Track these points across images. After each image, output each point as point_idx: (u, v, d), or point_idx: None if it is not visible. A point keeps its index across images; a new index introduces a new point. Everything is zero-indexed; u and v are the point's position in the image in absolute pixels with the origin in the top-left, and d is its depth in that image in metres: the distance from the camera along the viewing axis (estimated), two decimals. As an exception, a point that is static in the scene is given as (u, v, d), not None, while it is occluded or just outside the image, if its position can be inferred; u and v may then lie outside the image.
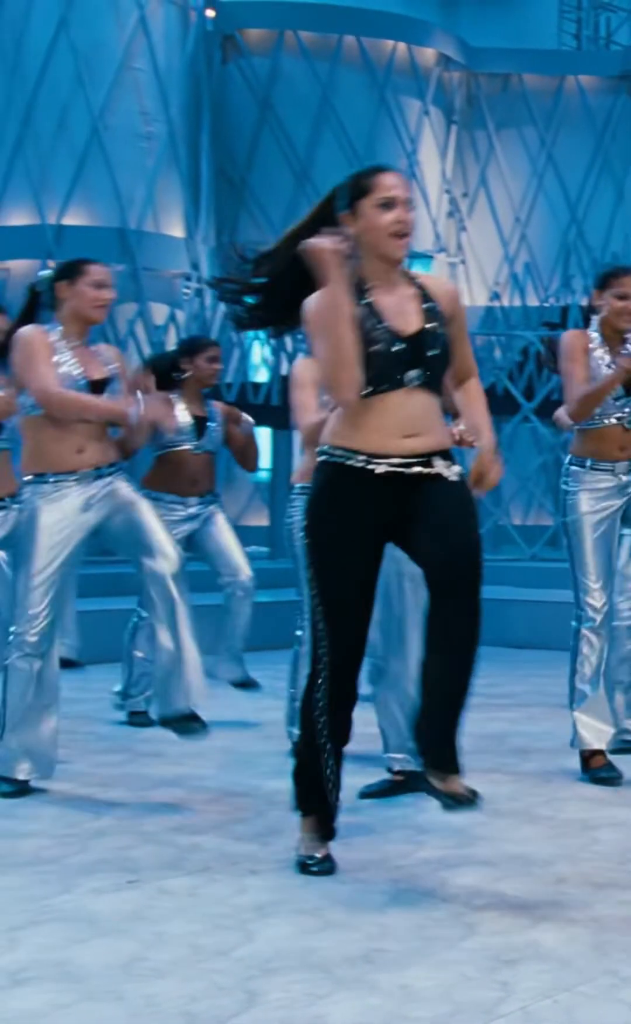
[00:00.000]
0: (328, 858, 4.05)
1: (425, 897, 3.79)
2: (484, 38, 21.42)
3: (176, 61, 19.11)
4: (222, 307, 17.61)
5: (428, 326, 3.91)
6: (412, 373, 3.87)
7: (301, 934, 3.46)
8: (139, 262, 18.36)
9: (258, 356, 16.17)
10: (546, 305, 19.66)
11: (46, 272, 5.27)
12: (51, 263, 18.18)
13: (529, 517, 15.35)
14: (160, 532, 5.07)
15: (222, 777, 5.47)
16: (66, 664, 6.54)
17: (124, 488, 5.11)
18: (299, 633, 5.68)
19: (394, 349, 3.86)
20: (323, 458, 3.95)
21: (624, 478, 5.35)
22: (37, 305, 5.23)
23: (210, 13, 19.93)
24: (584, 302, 18.18)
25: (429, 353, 3.89)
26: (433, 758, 3.81)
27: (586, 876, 3.98)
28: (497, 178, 21.23)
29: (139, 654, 6.58)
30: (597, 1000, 3.00)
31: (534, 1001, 2.99)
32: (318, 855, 4.05)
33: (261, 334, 15.70)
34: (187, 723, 5.10)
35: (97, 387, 5.09)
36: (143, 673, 6.51)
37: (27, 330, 5.08)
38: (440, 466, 3.88)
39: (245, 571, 6.69)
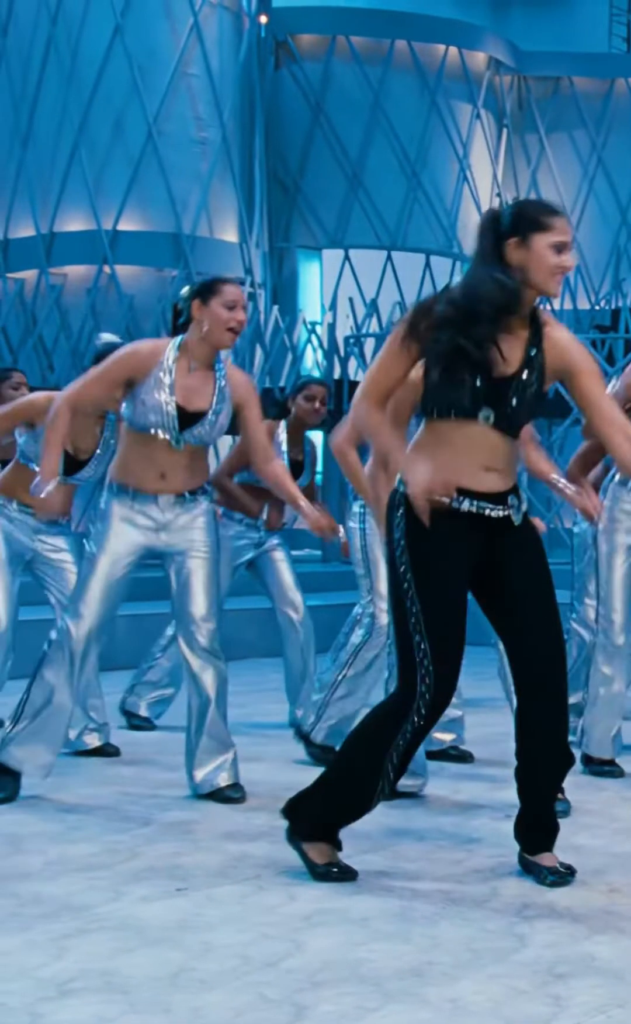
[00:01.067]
0: (346, 866, 4.01)
1: (476, 908, 3.71)
2: (534, 41, 21.33)
3: (230, 67, 19.12)
4: (275, 309, 17.62)
5: (526, 362, 3.87)
6: (485, 411, 3.84)
7: (350, 945, 3.39)
8: (193, 267, 18.37)
9: (311, 360, 16.12)
10: (597, 308, 19.51)
11: (184, 290, 5.07)
12: (107, 268, 18.26)
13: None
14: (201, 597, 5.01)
15: (273, 783, 5.39)
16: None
17: (198, 531, 5.02)
18: (349, 638, 5.63)
19: (475, 381, 3.83)
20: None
21: None
22: (178, 324, 4.96)
23: (263, 19, 19.92)
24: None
25: (511, 399, 3.85)
26: (530, 843, 4.03)
27: (639, 887, 3.89)
28: (548, 181, 21.13)
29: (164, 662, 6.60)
30: (651, 1017, 2.91)
31: (587, 1017, 2.91)
32: (338, 862, 4.00)
33: (314, 338, 15.63)
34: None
35: (189, 418, 4.87)
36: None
37: (135, 343, 4.96)
38: (512, 510, 3.92)
39: (300, 608, 6.64)
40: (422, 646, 3.83)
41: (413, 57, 20.22)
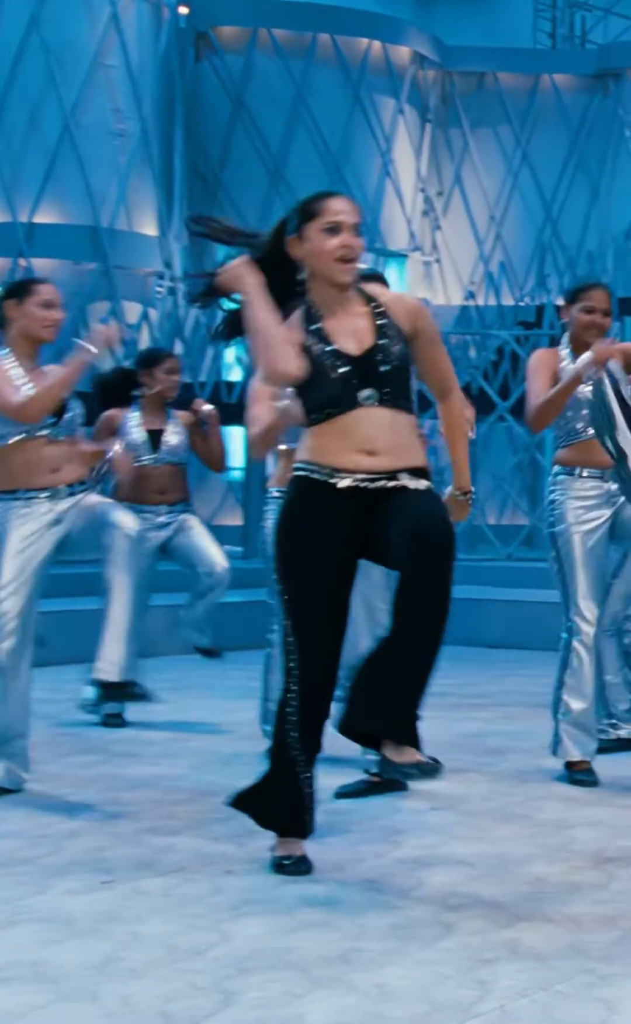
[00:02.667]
0: (304, 858, 4.05)
1: (401, 897, 3.79)
2: (459, 36, 21.50)
3: (149, 58, 19.12)
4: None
5: (380, 342, 3.91)
6: (364, 393, 3.87)
7: (277, 934, 3.47)
8: (111, 260, 18.35)
9: (231, 355, 16.16)
10: (521, 304, 19.72)
11: None
12: (23, 262, 18.17)
13: (504, 517, 15.39)
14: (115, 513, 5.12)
15: (196, 777, 5.46)
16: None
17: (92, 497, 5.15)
18: (271, 636, 5.69)
19: (341, 371, 3.87)
20: (295, 472, 3.97)
21: (612, 486, 5.28)
22: None
23: (183, 10, 19.94)
24: (559, 301, 18.26)
25: (381, 370, 3.89)
26: (394, 731, 3.77)
27: (563, 875, 3.99)
28: (472, 177, 21.29)
29: None
30: (574, 999, 3.01)
31: (511, 1000, 3.00)
32: (295, 855, 4.05)
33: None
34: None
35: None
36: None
37: None
38: (405, 479, 3.87)
39: (222, 563, 6.71)
40: (290, 641, 3.96)
41: (336, 51, 20.32)
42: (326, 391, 3.88)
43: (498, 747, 6.10)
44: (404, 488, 3.85)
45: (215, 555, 6.74)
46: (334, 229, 3.87)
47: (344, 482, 3.87)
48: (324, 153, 20.18)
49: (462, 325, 19.49)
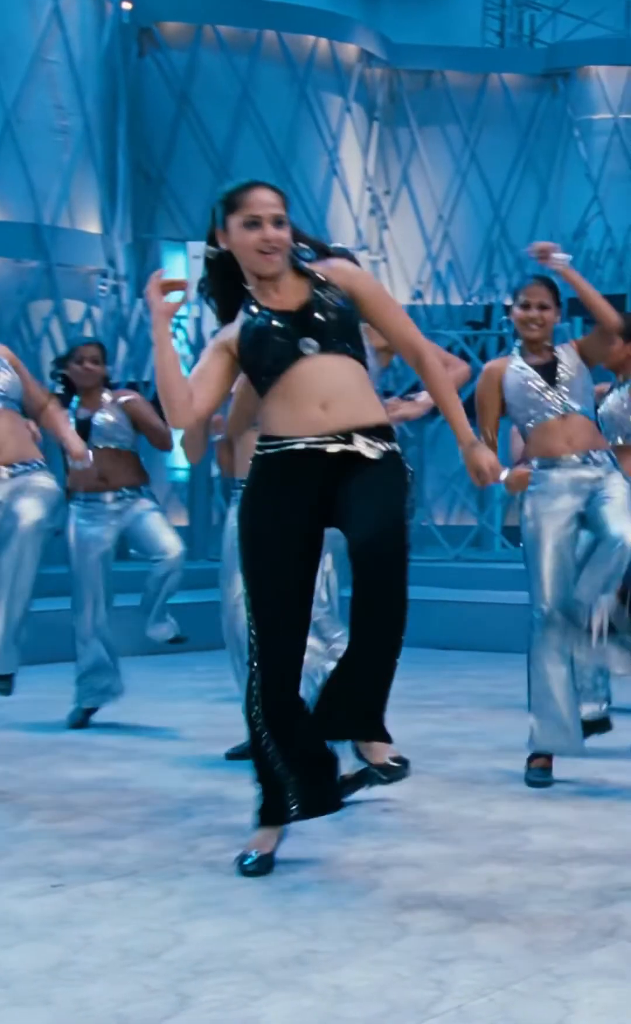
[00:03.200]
0: (268, 857, 4.06)
1: (356, 898, 3.80)
2: (407, 34, 21.55)
3: (91, 54, 19.05)
4: (139, 303, 17.62)
5: (315, 296, 3.94)
6: (305, 340, 3.90)
7: (232, 936, 3.47)
8: (54, 258, 18.27)
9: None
10: (469, 304, 19.79)
11: None
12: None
13: (452, 517, 15.44)
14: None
15: (145, 780, 5.45)
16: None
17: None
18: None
19: (279, 327, 3.90)
20: (254, 453, 3.97)
21: (576, 473, 5.31)
22: None
23: (126, 5, 19.89)
24: (507, 301, 18.32)
25: (319, 318, 3.90)
26: (361, 732, 3.90)
27: (518, 876, 4.01)
28: (420, 176, 21.36)
29: None
30: (531, 998, 3.03)
31: (469, 1000, 3.02)
32: (262, 852, 4.08)
33: (178, 331, 15.67)
34: None
35: None
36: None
37: None
38: (361, 444, 3.87)
39: (175, 548, 6.69)
40: (252, 633, 4.01)
41: (282, 48, 20.33)
42: (269, 349, 3.90)
43: (449, 748, 6.12)
44: (361, 457, 3.86)
45: (168, 540, 6.72)
46: (255, 223, 3.89)
47: (298, 444, 3.88)
48: (270, 151, 20.18)
49: (410, 325, 19.52)
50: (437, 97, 21.46)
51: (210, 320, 16.21)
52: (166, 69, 20.32)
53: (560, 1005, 2.98)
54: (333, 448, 3.87)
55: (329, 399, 3.88)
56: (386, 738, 3.89)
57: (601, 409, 6.25)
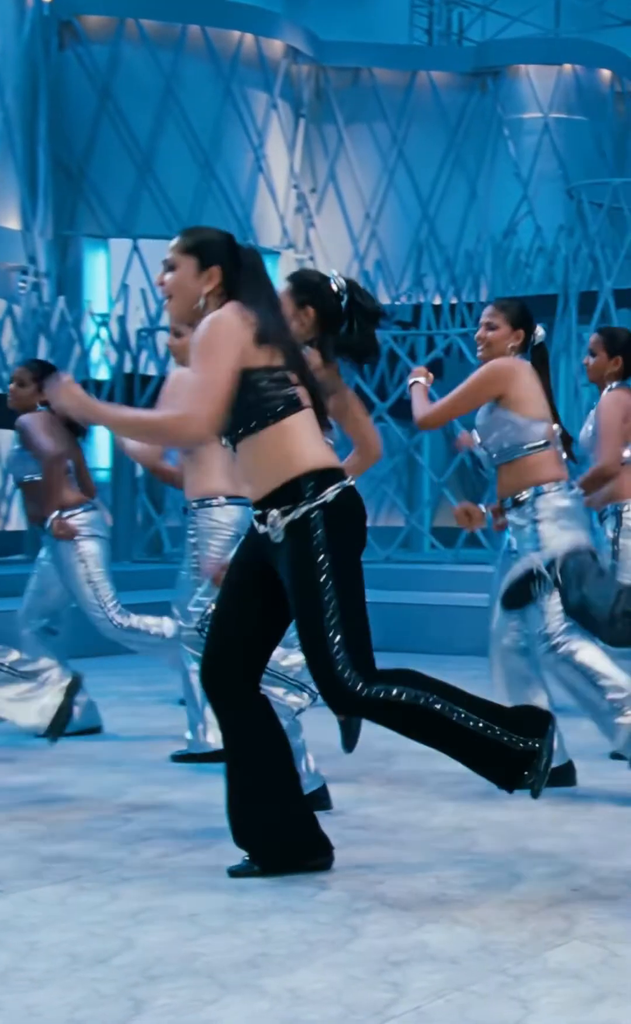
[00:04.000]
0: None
1: (305, 901, 3.81)
2: (333, 31, 21.58)
3: (11, 47, 18.94)
4: (61, 301, 17.55)
5: None
6: None
7: (181, 940, 3.46)
8: (-26, 254, 18.13)
9: (97, 353, 16.04)
10: (398, 303, 19.83)
11: None
12: None
13: (380, 518, 15.49)
14: None
15: (82, 784, 5.43)
16: None
17: None
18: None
19: None
20: None
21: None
22: None
23: (47, -3, 19.80)
24: (437, 301, 18.39)
25: None
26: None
27: (467, 878, 4.03)
28: (346, 173, 21.40)
29: None
30: (489, 999, 3.05)
31: (426, 1001, 3.03)
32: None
33: (103, 331, 15.60)
34: None
35: None
36: None
37: None
38: (274, 518, 3.96)
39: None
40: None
41: (207, 43, 20.29)
42: None
43: (388, 750, 6.13)
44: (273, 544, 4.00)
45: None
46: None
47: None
48: (194, 147, 20.14)
49: (338, 324, 19.53)
50: (364, 94, 21.51)
51: (134, 318, 16.13)
52: (87, 63, 20.23)
53: (518, 1005, 3.01)
54: (261, 530, 4.04)
55: (244, 479, 4.08)
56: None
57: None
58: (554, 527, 5.13)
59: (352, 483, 4.00)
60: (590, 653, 5.08)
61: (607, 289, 13.95)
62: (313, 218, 21.19)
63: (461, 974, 3.20)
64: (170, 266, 4.05)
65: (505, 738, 3.92)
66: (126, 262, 19.81)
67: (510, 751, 3.92)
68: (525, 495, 5.21)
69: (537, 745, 3.93)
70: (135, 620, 6.56)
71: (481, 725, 3.91)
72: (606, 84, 21.59)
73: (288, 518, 3.93)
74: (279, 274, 20.42)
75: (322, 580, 3.89)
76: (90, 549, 6.53)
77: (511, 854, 4.30)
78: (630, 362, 6.12)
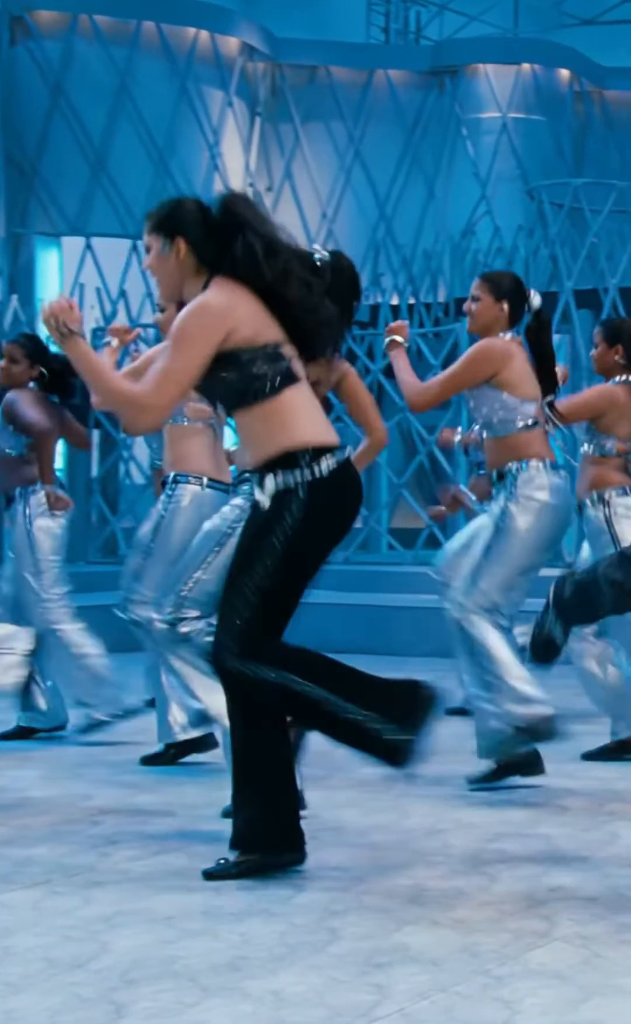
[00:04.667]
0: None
1: (281, 904, 3.81)
2: (290, 28, 21.56)
3: (-37, 41, 18.83)
4: (14, 300, 17.47)
5: None
6: None
7: (158, 944, 3.45)
8: None
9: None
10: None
11: None
12: None
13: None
14: None
15: (46, 788, 5.41)
16: None
17: None
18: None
19: None
20: None
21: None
22: None
23: (-1, -8, 19.70)
24: (394, 300, 18.40)
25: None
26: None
27: (443, 879, 4.04)
28: (303, 172, 21.38)
29: None
30: (474, 1000, 3.05)
31: (411, 1003, 3.03)
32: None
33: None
34: None
35: None
36: None
37: None
38: (267, 483, 3.98)
39: None
40: None
41: (162, 39, 20.23)
42: None
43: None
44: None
45: None
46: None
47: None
48: (149, 145, 20.09)
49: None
50: (321, 93, 21.50)
51: (89, 317, 15.94)
52: (39, 59, 20.12)
53: (503, 1006, 3.01)
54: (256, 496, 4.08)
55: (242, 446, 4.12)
56: None
57: None
58: (525, 505, 5.26)
59: (349, 459, 4.02)
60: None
61: (568, 290, 14.00)
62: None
63: (444, 976, 3.21)
64: (146, 248, 4.07)
65: (377, 725, 3.96)
66: (79, 261, 19.73)
67: (381, 740, 3.98)
68: (510, 468, 5.31)
69: (407, 739, 3.97)
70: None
71: (354, 717, 3.96)
72: (565, 84, 21.68)
73: (277, 485, 3.94)
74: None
75: (275, 547, 3.91)
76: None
77: (486, 855, 4.31)
78: None
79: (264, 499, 3.97)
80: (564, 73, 21.54)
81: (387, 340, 5.53)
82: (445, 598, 5.56)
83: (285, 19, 22.05)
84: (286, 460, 3.94)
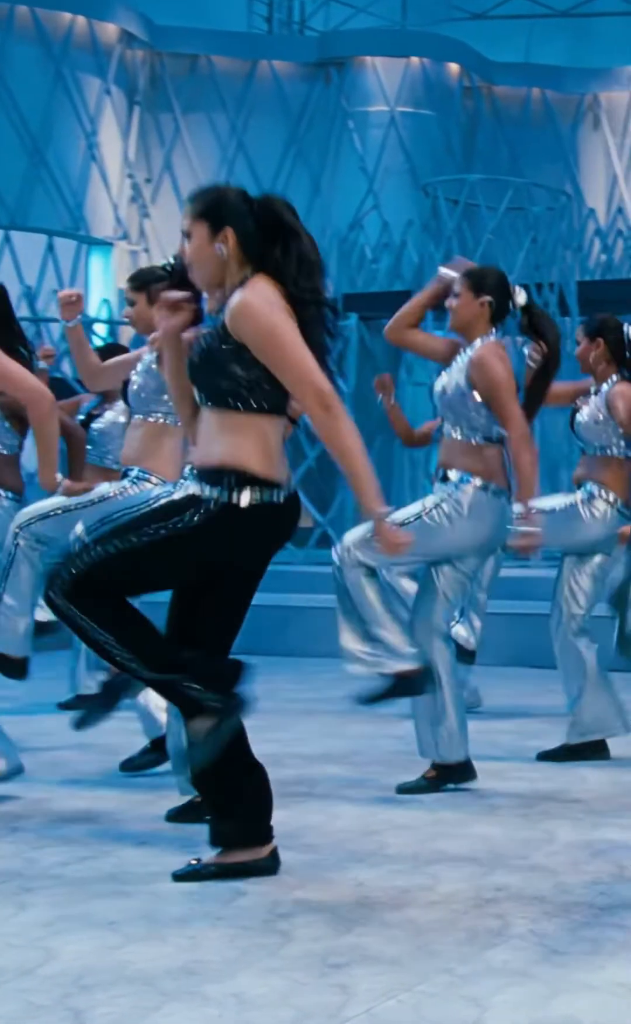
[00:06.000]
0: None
1: (224, 907, 3.80)
2: (170, 16, 21.48)
3: None
4: None
5: (202, 337, 4.04)
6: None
7: (106, 949, 3.43)
8: None
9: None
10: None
11: None
12: None
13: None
14: None
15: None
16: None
17: None
18: None
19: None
20: None
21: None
22: None
23: None
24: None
25: (194, 361, 4.04)
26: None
27: (386, 880, 4.06)
28: (184, 163, 21.31)
29: None
30: (441, 998, 3.08)
31: (378, 1002, 3.05)
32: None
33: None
34: None
35: None
36: None
37: None
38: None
39: None
40: None
41: (36, 24, 20.06)
42: None
43: (274, 753, 6.12)
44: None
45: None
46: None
47: None
48: (23, 133, 19.91)
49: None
50: (202, 82, 21.45)
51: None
52: None
53: (472, 1004, 3.04)
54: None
55: (200, 443, 4.08)
56: None
57: (577, 419, 6.20)
58: (455, 513, 5.24)
59: (281, 502, 3.98)
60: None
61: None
62: (148, 208, 21.07)
63: (406, 975, 3.23)
64: (186, 235, 4.01)
65: (185, 683, 4.00)
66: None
67: (186, 692, 4.01)
68: (455, 476, 5.30)
69: (217, 703, 4.01)
70: None
71: (153, 676, 4.03)
72: (454, 78, 21.85)
73: (203, 491, 3.96)
74: (113, 266, 20.30)
75: (158, 534, 3.94)
76: None
77: (425, 855, 4.34)
78: (614, 345, 6.06)
79: (182, 493, 3.99)
80: (453, 67, 21.71)
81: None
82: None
83: (164, 6, 21.95)
84: (220, 474, 3.95)
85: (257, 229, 3.95)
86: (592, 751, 6.04)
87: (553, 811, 5.02)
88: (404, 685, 5.18)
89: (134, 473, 5.56)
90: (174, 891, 3.96)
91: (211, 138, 21.41)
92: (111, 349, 7.66)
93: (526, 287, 5.76)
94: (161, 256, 21.10)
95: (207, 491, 3.95)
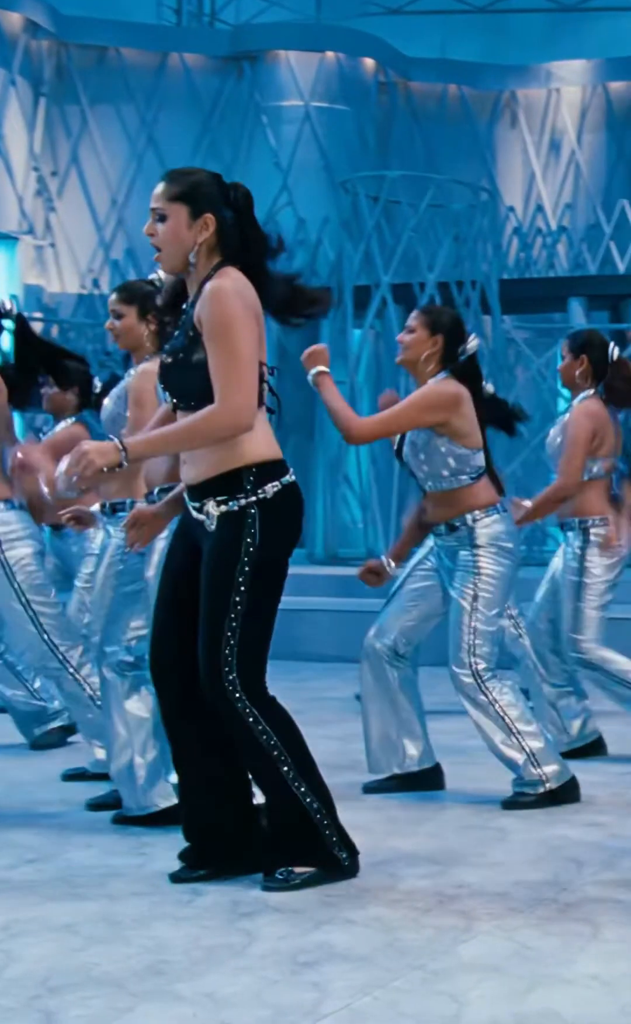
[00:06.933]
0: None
1: (183, 907, 3.81)
2: (77, 6, 21.35)
3: None
4: None
5: (172, 337, 4.07)
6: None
7: (68, 951, 3.43)
8: None
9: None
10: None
11: None
12: None
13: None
14: None
15: None
16: None
17: None
18: None
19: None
20: None
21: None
22: None
23: None
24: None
25: (165, 362, 4.04)
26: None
27: (345, 881, 4.08)
28: (91, 156, 21.19)
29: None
30: (417, 994, 3.11)
31: (354, 999, 3.08)
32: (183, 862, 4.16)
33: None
34: None
35: None
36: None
37: None
38: (209, 507, 3.94)
39: None
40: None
41: (-63, 12, 19.88)
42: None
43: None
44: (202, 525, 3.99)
45: None
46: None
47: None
48: None
49: (90, 315, 19.33)
50: (111, 75, 21.33)
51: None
52: None
53: (449, 999, 3.08)
54: (193, 514, 4.02)
55: (186, 457, 4.02)
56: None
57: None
58: (491, 551, 5.16)
59: (293, 479, 3.98)
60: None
61: (385, 284, 14.12)
62: (54, 202, 20.92)
63: (379, 972, 3.26)
64: (160, 216, 3.94)
65: (327, 831, 4.02)
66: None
67: (322, 842, 4.01)
68: (460, 522, 5.18)
69: (346, 861, 4.04)
70: None
71: (313, 805, 4.00)
72: (370, 73, 21.89)
73: (223, 508, 3.92)
74: (17, 261, 20.16)
75: (239, 580, 3.89)
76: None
77: (380, 854, 4.37)
78: (597, 363, 6.02)
79: (210, 522, 3.95)
80: (368, 62, 21.76)
81: (315, 371, 5.01)
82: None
83: (72, -4, 21.80)
84: (232, 481, 3.92)
85: (236, 219, 3.96)
86: (592, 751, 6.12)
87: (504, 810, 5.06)
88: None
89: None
90: (130, 893, 3.96)
91: (119, 131, 21.30)
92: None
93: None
94: (67, 251, 21.01)
95: (236, 503, 3.91)
